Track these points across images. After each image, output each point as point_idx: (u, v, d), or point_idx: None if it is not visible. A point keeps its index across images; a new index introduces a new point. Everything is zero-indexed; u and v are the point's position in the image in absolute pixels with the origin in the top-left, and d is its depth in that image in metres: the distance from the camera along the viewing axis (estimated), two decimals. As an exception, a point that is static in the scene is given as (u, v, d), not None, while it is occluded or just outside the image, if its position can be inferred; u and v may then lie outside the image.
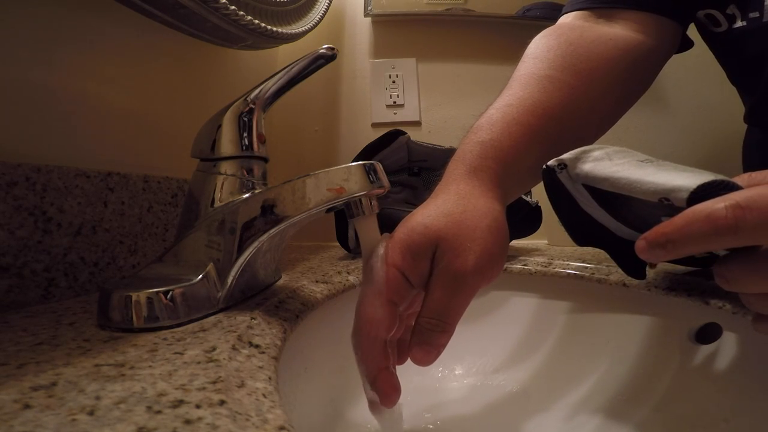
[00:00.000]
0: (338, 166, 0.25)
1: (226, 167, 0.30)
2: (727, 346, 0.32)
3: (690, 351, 0.34)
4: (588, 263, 0.43)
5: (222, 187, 0.29)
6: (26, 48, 0.34)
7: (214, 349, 0.21)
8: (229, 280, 0.28)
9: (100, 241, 0.35)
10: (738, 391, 0.30)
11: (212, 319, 0.26)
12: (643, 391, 0.35)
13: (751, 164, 0.51)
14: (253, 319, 0.26)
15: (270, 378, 0.20)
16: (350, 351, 0.26)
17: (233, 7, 0.44)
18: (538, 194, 0.35)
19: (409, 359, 0.26)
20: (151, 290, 0.25)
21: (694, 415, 0.31)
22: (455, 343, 0.26)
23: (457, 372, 0.41)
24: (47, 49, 0.35)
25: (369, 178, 0.26)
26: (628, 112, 0.41)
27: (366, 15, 0.82)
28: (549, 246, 0.64)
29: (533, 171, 0.31)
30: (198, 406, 0.15)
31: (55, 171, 0.32)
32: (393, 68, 0.84)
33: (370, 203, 0.26)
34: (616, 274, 0.40)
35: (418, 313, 0.25)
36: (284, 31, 0.56)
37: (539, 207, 0.54)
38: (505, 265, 0.46)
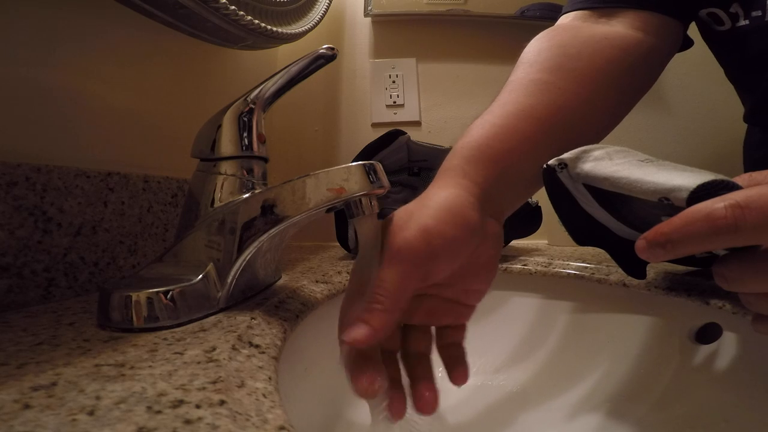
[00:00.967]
0: (338, 166, 0.25)
1: (226, 167, 0.30)
2: (727, 346, 0.32)
3: (690, 351, 0.34)
4: (588, 263, 0.43)
5: (222, 187, 0.30)
6: (26, 48, 0.34)
7: (214, 349, 0.21)
8: (229, 280, 0.28)
9: (100, 241, 0.35)
10: (738, 391, 0.30)
11: (212, 319, 0.26)
12: (643, 391, 0.35)
13: (751, 164, 0.51)
14: (253, 319, 0.26)
15: (270, 378, 0.20)
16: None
17: (233, 7, 0.44)
18: (538, 194, 0.35)
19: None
20: (151, 290, 0.25)
21: (694, 415, 0.31)
22: (455, 343, 0.26)
23: (457, 372, 0.41)
24: (47, 49, 0.35)
25: (369, 178, 0.26)
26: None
27: (366, 15, 0.82)
28: (549, 246, 0.64)
29: (523, 172, 0.31)
30: (198, 406, 0.15)
31: (55, 171, 0.32)
32: (393, 68, 0.84)
33: (370, 203, 0.26)
34: (616, 274, 0.40)
35: None
36: (284, 31, 0.56)
37: (539, 207, 0.54)
38: (505, 265, 0.46)
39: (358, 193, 0.25)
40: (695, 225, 0.19)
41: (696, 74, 0.83)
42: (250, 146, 0.31)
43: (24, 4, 0.33)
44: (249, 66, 0.68)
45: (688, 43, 0.44)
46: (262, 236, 0.27)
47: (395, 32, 0.85)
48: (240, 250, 0.27)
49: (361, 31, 0.85)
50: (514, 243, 0.63)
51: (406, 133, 0.59)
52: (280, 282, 0.37)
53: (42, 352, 0.20)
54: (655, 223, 0.21)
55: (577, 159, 0.26)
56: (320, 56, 0.31)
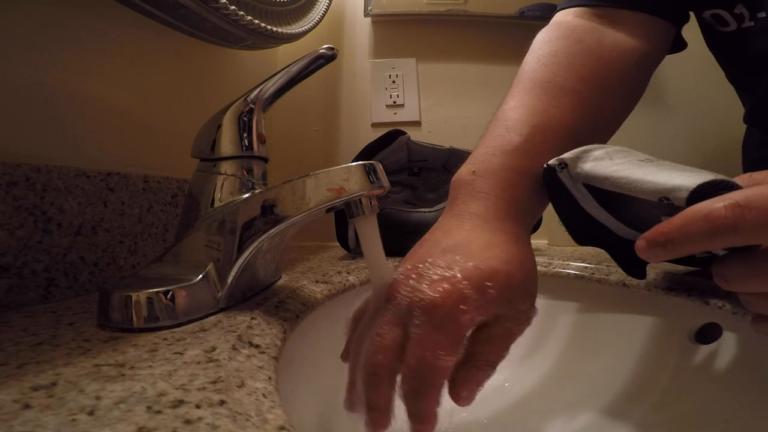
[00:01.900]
0: (338, 166, 0.25)
1: (226, 167, 0.30)
2: (727, 346, 0.32)
3: (690, 351, 0.34)
4: (588, 263, 0.43)
5: (222, 187, 0.29)
6: (26, 48, 0.34)
7: (214, 349, 0.21)
8: (229, 280, 0.28)
9: (100, 241, 0.35)
10: (738, 391, 0.30)
11: (212, 319, 0.26)
12: (643, 391, 0.35)
13: (750, 164, 0.51)
14: (253, 319, 0.26)
15: (270, 378, 0.20)
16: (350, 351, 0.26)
17: (233, 7, 0.44)
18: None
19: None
20: (151, 290, 0.25)
21: (694, 415, 0.31)
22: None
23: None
24: (47, 49, 0.35)
25: (369, 178, 0.26)
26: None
27: (366, 15, 0.82)
28: (549, 246, 0.64)
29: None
30: (198, 406, 0.15)
31: (55, 171, 0.32)
32: (393, 68, 0.84)
33: (370, 203, 0.26)
34: (616, 274, 0.40)
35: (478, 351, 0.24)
36: (284, 31, 0.56)
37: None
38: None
39: (358, 193, 0.25)
40: (695, 225, 0.19)
41: (696, 75, 0.83)
42: (250, 146, 0.31)
43: (24, 4, 0.33)
44: (249, 66, 0.68)
45: (682, 45, 0.44)
46: (262, 236, 0.27)
47: (395, 32, 0.85)
48: (240, 250, 0.27)
49: (361, 31, 0.85)
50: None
51: (406, 133, 0.59)
52: (280, 282, 0.37)
53: (42, 352, 0.20)
54: (655, 223, 0.21)
55: (578, 159, 0.26)
56: (320, 56, 0.31)
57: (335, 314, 0.36)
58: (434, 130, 0.84)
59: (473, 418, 0.36)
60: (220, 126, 0.30)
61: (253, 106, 0.31)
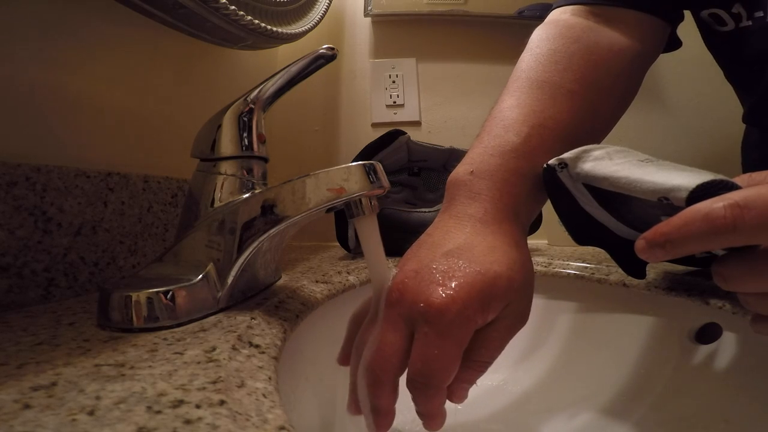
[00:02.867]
0: (338, 166, 0.25)
1: (226, 167, 0.30)
2: (727, 346, 0.32)
3: (690, 351, 0.34)
4: (588, 263, 0.43)
5: (222, 187, 0.30)
6: (25, 48, 0.34)
7: (214, 349, 0.21)
8: (229, 280, 0.28)
9: (100, 241, 0.35)
10: (738, 391, 0.30)
11: (212, 319, 0.26)
12: (643, 391, 0.35)
13: (750, 164, 0.51)
14: (253, 319, 0.26)
15: (270, 378, 0.20)
16: (349, 351, 0.26)
17: (233, 7, 0.44)
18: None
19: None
20: (151, 290, 0.25)
21: (694, 415, 0.31)
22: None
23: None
24: (46, 48, 0.35)
25: (369, 178, 0.26)
26: (627, 113, 0.41)
27: (366, 15, 0.82)
28: (549, 246, 0.64)
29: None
30: (198, 406, 0.15)
31: (55, 171, 0.32)
32: (393, 68, 0.84)
33: (370, 203, 0.26)
34: (616, 274, 0.40)
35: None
36: (284, 31, 0.56)
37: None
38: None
39: (358, 193, 0.25)
40: (694, 225, 0.19)
41: (695, 75, 0.83)
42: (250, 146, 0.31)
43: (24, 4, 0.33)
44: (249, 66, 0.68)
45: (677, 44, 0.44)
46: (262, 236, 0.27)
47: (395, 32, 0.85)
48: (240, 250, 0.27)
49: (361, 31, 0.85)
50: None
51: (406, 133, 0.59)
52: (280, 282, 0.37)
53: (42, 352, 0.20)
54: (654, 223, 0.21)
55: (577, 159, 0.26)
56: (320, 56, 0.31)
57: (335, 314, 0.36)
58: (434, 130, 0.84)
59: (473, 418, 0.36)
60: (220, 126, 0.30)
61: (253, 106, 0.31)
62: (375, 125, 0.83)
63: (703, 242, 0.19)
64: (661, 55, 0.42)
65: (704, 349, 0.34)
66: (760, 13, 0.37)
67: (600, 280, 0.41)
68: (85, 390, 0.16)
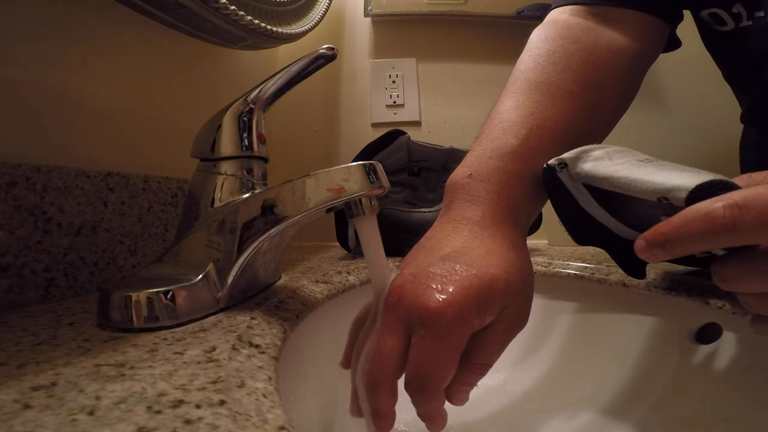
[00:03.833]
0: (338, 166, 0.25)
1: (226, 167, 0.30)
2: (727, 346, 0.32)
3: (690, 351, 0.34)
4: (588, 263, 0.43)
5: (222, 187, 0.30)
6: (25, 48, 0.34)
7: (214, 349, 0.21)
8: (229, 280, 0.28)
9: (100, 241, 0.35)
10: (738, 391, 0.30)
11: (212, 319, 0.26)
12: (643, 391, 0.35)
13: (748, 164, 0.51)
14: (253, 319, 0.26)
15: (270, 378, 0.20)
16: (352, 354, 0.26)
17: (233, 7, 0.44)
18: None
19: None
20: (151, 290, 0.25)
21: (694, 415, 0.31)
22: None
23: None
24: (46, 48, 0.35)
25: (369, 178, 0.26)
26: (627, 113, 0.41)
27: (366, 15, 0.82)
28: (549, 246, 0.64)
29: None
30: (198, 406, 0.15)
31: (55, 171, 0.32)
32: (393, 68, 0.84)
33: (370, 203, 0.26)
34: (616, 274, 0.40)
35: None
36: (284, 31, 0.56)
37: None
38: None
39: (358, 193, 0.25)
40: (694, 225, 0.19)
41: (694, 74, 0.83)
42: (250, 146, 0.31)
43: (24, 4, 0.33)
44: (249, 66, 0.68)
45: (677, 44, 0.44)
46: (262, 236, 0.27)
47: (395, 32, 0.85)
48: (240, 250, 0.27)
49: (361, 31, 0.86)
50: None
51: (406, 133, 0.59)
52: (280, 282, 0.37)
53: (42, 352, 0.20)
54: (654, 223, 0.21)
55: (577, 159, 0.27)
56: (320, 56, 0.31)
57: (335, 314, 0.36)
58: (434, 130, 0.84)
59: (473, 418, 0.36)
60: (220, 126, 0.30)
61: (253, 106, 0.31)
62: (375, 125, 0.83)
63: (703, 242, 0.19)
64: (661, 55, 0.42)
65: (704, 349, 0.34)
66: (761, 13, 0.37)
67: (600, 280, 0.41)
68: (85, 390, 0.16)
